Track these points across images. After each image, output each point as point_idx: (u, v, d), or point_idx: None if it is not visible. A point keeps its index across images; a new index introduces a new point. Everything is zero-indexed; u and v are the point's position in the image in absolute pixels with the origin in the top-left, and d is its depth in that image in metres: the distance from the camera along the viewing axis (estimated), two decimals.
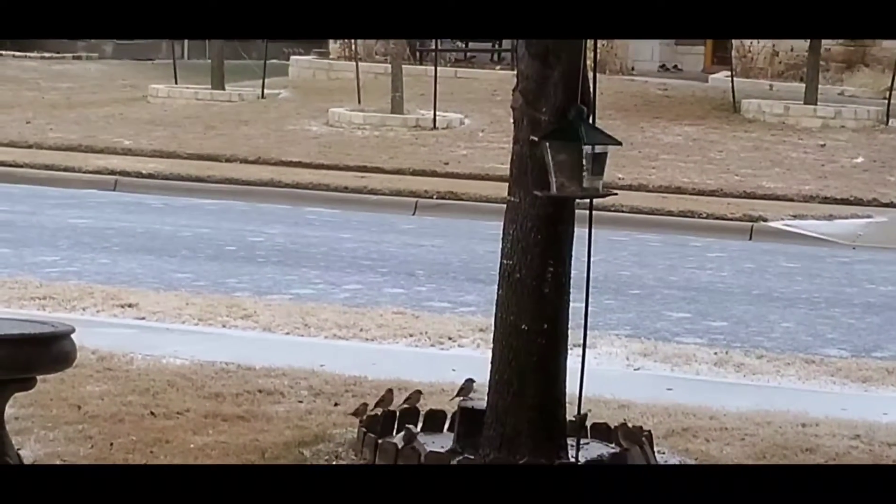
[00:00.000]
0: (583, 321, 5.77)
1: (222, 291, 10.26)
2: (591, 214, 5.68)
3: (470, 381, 6.40)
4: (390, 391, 6.55)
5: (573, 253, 5.93)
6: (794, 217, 14.87)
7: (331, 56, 25.94)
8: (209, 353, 8.05)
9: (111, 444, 6.20)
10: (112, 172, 16.56)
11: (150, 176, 16.45)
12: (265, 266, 11.59)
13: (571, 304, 5.95)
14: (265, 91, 22.05)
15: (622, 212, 14.34)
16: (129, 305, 9.32)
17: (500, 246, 5.94)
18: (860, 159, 18.06)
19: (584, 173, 5.46)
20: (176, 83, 22.70)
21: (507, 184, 6.02)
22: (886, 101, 20.35)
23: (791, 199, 15.82)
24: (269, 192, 15.82)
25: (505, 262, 5.90)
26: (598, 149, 5.49)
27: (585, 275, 5.64)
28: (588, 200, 5.66)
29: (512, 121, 5.94)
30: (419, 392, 6.62)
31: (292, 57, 25.82)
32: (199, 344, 8.35)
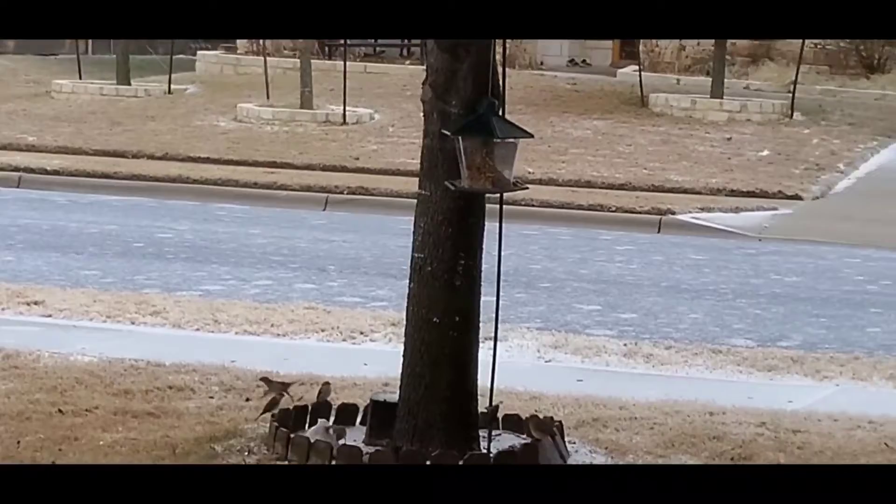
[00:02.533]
0: (494, 314, 5.79)
1: (130, 288, 10.16)
2: (501, 208, 5.70)
3: (327, 385, 6.52)
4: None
5: (484, 247, 5.95)
6: (702, 210, 15.00)
7: (238, 51, 25.76)
8: (118, 350, 7.97)
9: (18, 442, 6.12)
10: (16, 169, 16.32)
11: (55, 172, 16.23)
12: (174, 262, 11.49)
13: (483, 298, 5.98)
14: (172, 86, 21.85)
15: (532, 206, 14.40)
16: (35, 303, 9.20)
17: (412, 240, 5.94)
18: (765, 152, 18.28)
19: (494, 166, 5.49)
20: (80, 78, 22.43)
21: (417, 179, 6.02)
22: (791, 95, 20.65)
23: (698, 192, 15.95)
24: (178, 189, 15.67)
25: (416, 255, 5.91)
26: (509, 142, 5.51)
27: (496, 268, 5.66)
28: (499, 194, 5.69)
29: (422, 114, 5.95)
30: (328, 384, 6.63)
31: (199, 52, 25.60)
32: (108, 341, 8.27)
